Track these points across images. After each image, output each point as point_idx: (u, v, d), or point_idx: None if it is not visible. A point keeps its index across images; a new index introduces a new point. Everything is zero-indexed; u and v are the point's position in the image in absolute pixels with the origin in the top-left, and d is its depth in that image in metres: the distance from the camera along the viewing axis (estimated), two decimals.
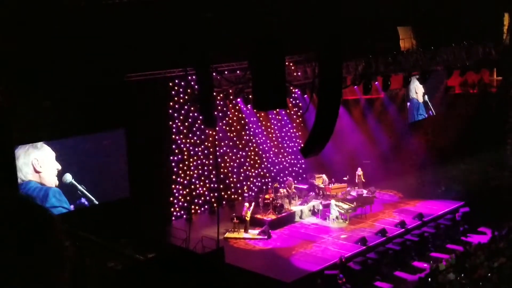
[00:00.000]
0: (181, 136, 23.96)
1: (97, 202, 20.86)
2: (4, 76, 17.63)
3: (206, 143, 24.77)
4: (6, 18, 17.20)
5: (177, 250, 19.67)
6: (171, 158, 23.75)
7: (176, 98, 23.54)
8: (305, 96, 27.07)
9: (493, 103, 29.52)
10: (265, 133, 27.50)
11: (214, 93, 20.82)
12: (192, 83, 22.61)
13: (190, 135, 24.23)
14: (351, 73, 23.60)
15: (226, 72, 23.09)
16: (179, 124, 23.80)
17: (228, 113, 25.97)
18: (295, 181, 26.92)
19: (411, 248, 21.48)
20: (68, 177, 20.34)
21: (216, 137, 24.49)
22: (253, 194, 26.62)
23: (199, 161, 24.68)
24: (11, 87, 18.06)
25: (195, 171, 24.61)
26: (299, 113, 28.73)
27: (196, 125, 24.17)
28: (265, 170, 27.67)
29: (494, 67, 29.90)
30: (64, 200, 20.17)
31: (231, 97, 24.62)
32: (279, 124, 28.11)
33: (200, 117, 22.19)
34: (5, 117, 18.13)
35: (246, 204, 23.24)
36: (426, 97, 29.90)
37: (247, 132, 26.88)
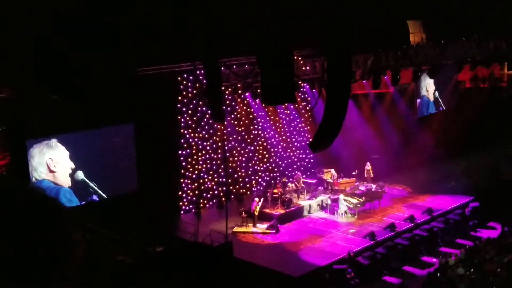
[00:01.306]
0: (190, 131, 23.97)
1: (106, 196, 20.94)
2: (13, 70, 17.70)
3: (214, 138, 24.77)
4: (15, 11, 17.25)
5: (186, 244, 19.72)
6: (180, 152, 23.78)
7: (184, 93, 23.54)
8: (314, 90, 26.99)
9: (503, 97, 29.36)
10: (273, 127, 27.46)
11: (223, 88, 20.80)
12: (201, 77, 22.61)
13: (198, 129, 24.23)
14: (360, 68, 23.52)
15: (234, 67, 23.07)
16: (187, 118, 23.81)
17: (237, 107, 25.94)
18: (304, 176, 26.89)
19: (420, 243, 21.42)
20: (80, 175, 20.41)
21: (225, 131, 24.49)
22: (261, 188, 26.61)
23: (207, 156, 24.70)
24: (21, 82, 18.14)
25: (204, 166, 24.63)
26: (307, 108, 28.65)
27: (205, 119, 24.17)
28: (273, 165, 27.65)
29: (505, 61, 29.73)
30: (74, 200, 20.25)
31: (240, 91, 24.60)
32: (287, 118, 28.06)
33: (209, 112, 22.20)
34: (15, 111, 18.25)
35: (256, 199, 23.26)
36: (436, 93, 29.77)
37: (256, 126, 26.85)
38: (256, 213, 22.67)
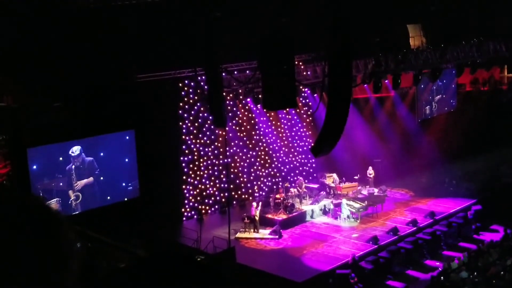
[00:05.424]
0: (191, 137, 23.97)
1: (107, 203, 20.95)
2: (14, 78, 17.73)
3: (216, 143, 24.77)
4: (16, 19, 17.30)
5: (187, 250, 19.68)
6: (182, 158, 23.77)
7: (186, 99, 23.55)
8: (315, 95, 27.00)
9: (504, 100, 29.37)
10: (275, 132, 27.45)
11: (224, 93, 20.81)
12: (202, 83, 22.62)
13: (200, 135, 24.23)
14: (361, 72, 23.53)
15: (235, 72, 23.07)
16: (189, 124, 23.81)
17: (238, 113, 25.94)
18: (306, 181, 26.85)
19: (423, 247, 21.38)
20: None
21: (226, 137, 24.47)
22: (263, 194, 26.57)
23: (209, 161, 24.69)
24: (21, 89, 18.17)
25: (205, 171, 24.61)
26: (309, 113, 28.64)
27: (206, 125, 24.18)
28: (275, 170, 27.61)
29: (505, 64, 29.75)
30: None
31: (241, 97, 24.61)
32: (289, 123, 28.04)
33: (210, 117, 22.20)
34: (15, 118, 18.27)
35: (254, 204, 23.23)
36: (437, 96, 29.80)
37: (257, 132, 26.83)
38: (257, 218, 22.63)
